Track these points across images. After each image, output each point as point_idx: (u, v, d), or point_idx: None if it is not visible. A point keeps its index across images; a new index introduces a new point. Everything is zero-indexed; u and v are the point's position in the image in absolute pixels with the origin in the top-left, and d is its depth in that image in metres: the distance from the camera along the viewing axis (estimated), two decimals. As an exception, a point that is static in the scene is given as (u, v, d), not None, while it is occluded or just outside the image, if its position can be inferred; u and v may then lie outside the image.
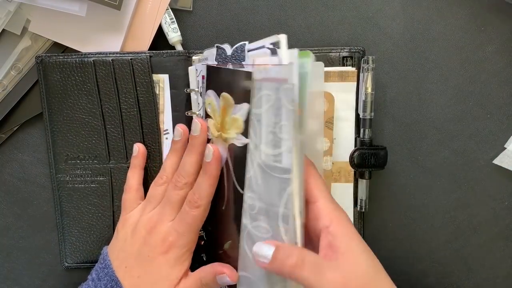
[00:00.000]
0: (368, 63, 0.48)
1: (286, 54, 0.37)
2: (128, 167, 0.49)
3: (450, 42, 0.51)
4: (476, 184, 0.52)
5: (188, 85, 0.49)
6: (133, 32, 0.49)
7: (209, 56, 0.46)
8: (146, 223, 0.46)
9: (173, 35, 0.50)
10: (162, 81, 0.49)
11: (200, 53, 0.49)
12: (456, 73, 0.52)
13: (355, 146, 0.49)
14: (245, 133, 0.40)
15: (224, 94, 0.42)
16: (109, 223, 0.51)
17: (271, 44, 0.38)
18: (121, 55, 0.48)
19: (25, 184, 0.53)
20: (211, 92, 0.44)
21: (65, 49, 0.50)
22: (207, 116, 0.45)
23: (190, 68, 0.48)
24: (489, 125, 0.52)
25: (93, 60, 0.48)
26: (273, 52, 0.38)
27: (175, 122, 0.49)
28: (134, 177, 0.49)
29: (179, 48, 0.50)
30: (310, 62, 0.38)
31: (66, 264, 0.52)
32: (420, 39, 0.51)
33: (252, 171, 0.41)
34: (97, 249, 0.51)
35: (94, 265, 0.47)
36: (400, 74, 0.52)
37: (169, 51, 0.49)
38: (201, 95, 0.46)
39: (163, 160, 0.49)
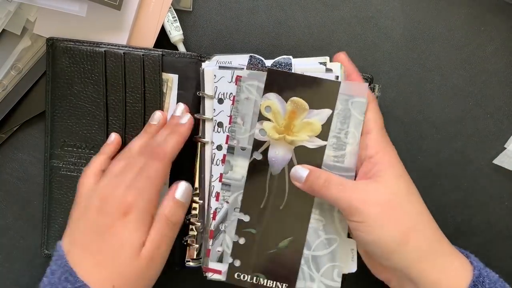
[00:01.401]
0: (374, 91, 0.48)
1: (340, 72, 0.45)
2: None
3: (450, 42, 0.51)
4: (476, 184, 0.52)
5: (197, 88, 0.48)
6: (136, 32, 0.50)
7: (220, 61, 0.47)
8: (100, 193, 0.41)
9: (175, 33, 0.50)
10: (171, 80, 0.49)
11: (208, 59, 0.49)
12: (456, 73, 0.52)
13: None
14: (322, 136, 0.44)
15: (295, 98, 0.44)
16: None
17: (319, 62, 0.46)
18: (133, 50, 0.48)
19: (25, 184, 0.53)
20: (273, 96, 0.45)
21: (65, 49, 0.50)
22: (262, 118, 0.45)
23: (206, 72, 0.47)
24: (489, 125, 0.52)
25: (104, 51, 0.48)
26: (328, 70, 0.45)
27: None
28: (98, 161, 0.45)
29: (181, 47, 0.50)
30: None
31: (46, 252, 0.51)
32: (420, 39, 0.51)
33: None
34: None
35: None
36: (400, 74, 0.52)
37: (181, 52, 0.49)
38: (230, 99, 0.46)
39: None
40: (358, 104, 0.44)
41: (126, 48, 0.48)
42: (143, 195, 0.41)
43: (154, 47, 0.50)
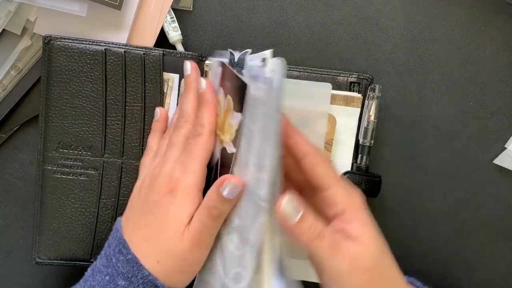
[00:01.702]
0: (374, 91, 0.48)
1: (271, 71, 0.36)
2: (122, 164, 0.48)
3: (450, 42, 0.51)
4: (476, 184, 0.52)
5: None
6: (136, 32, 0.50)
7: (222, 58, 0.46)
8: (151, 173, 0.43)
9: (174, 34, 0.50)
10: (172, 80, 0.49)
11: (206, 58, 0.49)
12: (456, 73, 0.52)
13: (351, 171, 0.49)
14: (234, 143, 0.39)
15: (229, 97, 0.42)
16: (91, 220, 0.48)
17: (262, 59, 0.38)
18: (134, 49, 0.48)
19: (25, 184, 0.53)
20: (220, 90, 0.43)
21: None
22: None
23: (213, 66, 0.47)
24: (489, 125, 0.52)
25: (104, 49, 0.48)
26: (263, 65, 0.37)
27: None
28: (154, 140, 0.47)
29: (179, 47, 0.50)
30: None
31: (38, 260, 0.49)
32: (420, 39, 0.51)
33: None
34: (75, 247, 0.49)
35: (68, 264, 0.48)
36: (400, 74, 0.52)
37: (182, 51, 0.49)
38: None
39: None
40: (271, 119, 0.36)
41: (126, 47, 0.48)
42: (189, 172, 0.41)
43: (154, 47, 0.50)
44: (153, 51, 0.48)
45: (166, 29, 0.50)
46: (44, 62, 0.48)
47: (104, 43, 0.48)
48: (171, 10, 0.50)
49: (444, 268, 0.53)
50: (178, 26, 0.50)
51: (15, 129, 0.52)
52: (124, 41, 0.49)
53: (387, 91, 0.52)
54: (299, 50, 0.52)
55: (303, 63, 0.51)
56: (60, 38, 0.48)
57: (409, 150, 0.52)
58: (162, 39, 0.50)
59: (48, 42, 0.48)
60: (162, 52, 0.48)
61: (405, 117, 0.52)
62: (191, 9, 0.51)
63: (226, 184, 0.39)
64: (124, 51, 0.48)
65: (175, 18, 0.50)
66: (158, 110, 0.48)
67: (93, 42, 0.48)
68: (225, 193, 0.39)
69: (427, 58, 0.51)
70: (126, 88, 0.48)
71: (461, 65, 0.51)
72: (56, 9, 0.47)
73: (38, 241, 0.49)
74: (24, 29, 0.50)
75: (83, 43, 0.48)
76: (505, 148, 0.51)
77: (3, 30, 0.49)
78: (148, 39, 0.50)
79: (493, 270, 0.53)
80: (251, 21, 0.52)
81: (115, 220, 0.47)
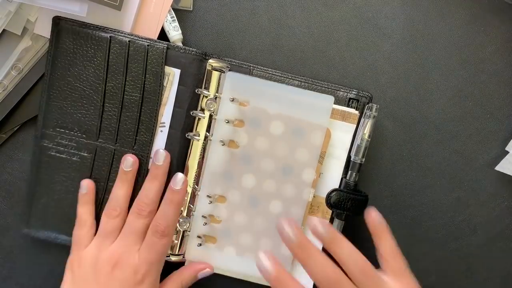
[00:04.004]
0: (371, 110, 0.48)
1: None
2: (115, 150, 0.49)
3: (450, 42, 0.51)
4: (476, 184, 0.52)
5: (196, 85, 0.49)
6: (136, 32, 0.50)
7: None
8: (109, 258, 0.46)
9: (174, 33, 0.50)
10: (173, 75, 0.49)
11: (216, 56, 0.49)
12: (456, 73, 0.52)
13: (339, 186, 0.49)
14: None
15: None
16: None
17: None
18: (138, 39, 0.48)
19: (25, 184, 0.53)
20: None
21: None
22: None
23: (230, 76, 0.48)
24: (489, 125, 0.52)
25: (110, 36, 0.48)
26: None
27: (175, 117, 0.49)
28: (87, 212, 0.48)
29: (179, 47, 0.50)
30: None
31: (26, 230, 0.50)
32: (420, 39, 0.51)
33: None
34: (62, 223, 0.50)
35: (52, 239, 0.49)
36: (400, 74, 0.52)
37: (186, 47, 0.49)
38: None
39: (151, 152, 0.49)
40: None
41: (131, 36, 0.48)
42: (155, 268, 0.46)
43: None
44: (157, 43, 0.48)
45: (167, 28, 0.50)
46: (52, 42, 0.49)
47: (110, 30, 0.48)
48: (172, 10, 0.50)
49: (444, 268, 0.53)
50: (178, 26, 0.50)
51: (15, 129, 0.52)
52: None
53: (387, 91, 0.52)
54: (299, 50, 0.52)
55: (302, 63, 0.52)
56: (69, 20, 0.48)
57: (409, 150, 0.52)
58: (163, 39, 0.50)
59: (57, 23, 0.48)
60: (166, 45, 0.48)
61: (405, 117, 0.52)
62: (191, 9, 0.51)
63: (205, 273, 0.49)
64: (129, 41, 0.48)
65: (175, 18, 0.50)
66: (84, 183, 0.49)
67: (99, 28, 0.48)
68: (201, 277, 0.50)
69: (427, 58, 0.51)
70: (126, 77, 0.48)
71: (461, 65, 0.51)
72: (56, 9, 0.47)
73: (29, 213, 0.50)
74: (25, 29, 0.50)
75: (90, 28, 0.48)
76: (506, 151, 0.51)
77: (4, 30, 0.49)
78: (148, 39, 0.50)
79: (493, 270, 0.53)
80: (251, 21, 0.52)
81: (101, 204, 0.50)
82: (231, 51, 0.52)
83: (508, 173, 0.51)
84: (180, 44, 0.50)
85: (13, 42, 0.50)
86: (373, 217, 0.45)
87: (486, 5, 0.51)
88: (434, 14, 0.51)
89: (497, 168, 0.51)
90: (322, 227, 0.40)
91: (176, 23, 0.50)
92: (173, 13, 0.50)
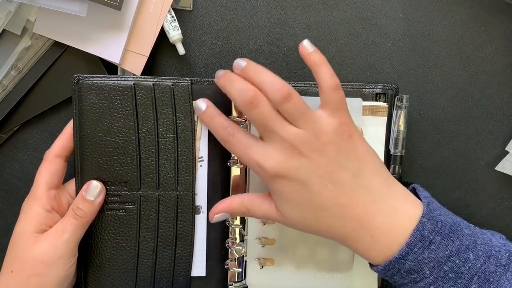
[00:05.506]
0: (402, 101, 0.48)
1: None
2: (159, 196, 0.48)
3: (450, 42, 0.51)
4: (476, 184, 0.52)
5: (226, 114, 0.47)
6: (136, 32, 0.50)
7: None
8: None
9: (174, 33, 0.50)
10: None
11: None
12: (456, 73, 0.52)
13: None
14: None
15: None
16: (133, 254, 0.49)
17: None
18: (162, 80, 0.48)
19: (25, 184, 0.53)
20: None
21: (66, 48, 0.50)
22: None
23: None
24: (489, 125, 0.52)
25: (133, 84, 0.47)
26: None
27: (210, 150, 0.49)
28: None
29: (179, 46, 0.50)
30: None
31: None
32: (420, 39, 0.51)
33: None
34: (119, 281, 0.49)
35: None
36: (400, 74, 0.52)
37: (210, 79, 0.48)
38: None
39: (195, 188, 0.49)
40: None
41: (154, 80, 0.48)
42: None
43: (154, 47, 0.50)
44: (181, 81, 0.48)
45: (167, 28, 0.50)
46: (75, 102, 0.48)
47: (132, 77, 0.48)
48: (172, 9, 0.50)
49: (444, 268, 0.53)
50: (178, 26, 0.50)
51: (15, 129, 0.52)
52: (123, 42, 0.49)
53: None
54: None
55: (303, 63, 0.51)
56: (89, 76, 0.47)
57: (409, 150, 0.52)
58: (164, 39, 0.50)
59: (77, 82, 0.47)
60: (189, 81, 0.48)
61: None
62: (191, 9, 0.51)
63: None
64: (153, 84, 0.48)
65: (175, 18, 0.50)
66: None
67: (121, 78, 0.48)
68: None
69: (427, 58, 0.51)
70: (157, 121, 0.48)
71: (461, 65, 0.51)
72: (56, 9, 0.47)
73: (83, 278, 0.49)
74: (24, 29, 0.50)
75: (111, 80, 0.48)
76: (506, 151, 0.51)
77: (3, 30, 0.49)
78: (148, 39, 0.50)
79: (493, 270, 0.53)
80: (251, 21, 0.52)
81: (156, 252, 0.49)
82: (231, 51, 0.52)
83: (508, 173, 0.51)
84: (180, 44, 0.50)
85: (12, 42, 0.50)
86: (304, 45, 0.42)
87: (486, 5, 0.51)
88: (434, 14, 0.51)
89: (497, 168, 0.51)
90: (243, 61, 0.42)
91: (176, 23, 0.50)
92: (173, 13, 0.50)
